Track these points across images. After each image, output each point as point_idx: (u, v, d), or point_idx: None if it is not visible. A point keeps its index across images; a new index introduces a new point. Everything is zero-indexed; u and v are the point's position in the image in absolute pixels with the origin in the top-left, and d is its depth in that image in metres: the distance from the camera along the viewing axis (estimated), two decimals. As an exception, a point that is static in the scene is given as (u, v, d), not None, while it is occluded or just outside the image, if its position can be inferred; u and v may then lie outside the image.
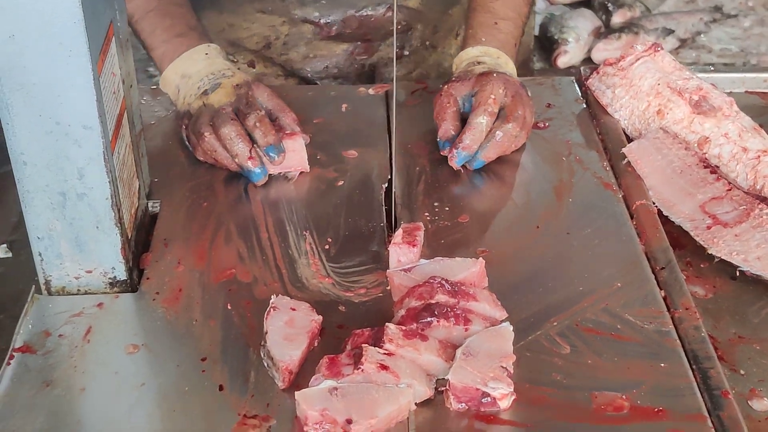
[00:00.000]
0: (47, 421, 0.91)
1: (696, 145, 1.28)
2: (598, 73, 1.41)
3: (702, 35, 3.84)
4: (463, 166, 1.27)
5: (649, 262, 1.12)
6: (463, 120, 1.29)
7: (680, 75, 1.34)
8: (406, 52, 1.62)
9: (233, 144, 1.23)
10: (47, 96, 0.95)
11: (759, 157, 1.22)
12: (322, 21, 1.55)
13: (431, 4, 1.59)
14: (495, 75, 1.30)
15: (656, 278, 1.10)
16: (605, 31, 3.73)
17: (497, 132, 1.26)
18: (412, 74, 1.63)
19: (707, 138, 1.27)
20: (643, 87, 1.34)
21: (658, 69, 1.35)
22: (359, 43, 1.58)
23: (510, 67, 1.39)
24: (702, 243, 1.14)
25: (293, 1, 1.52)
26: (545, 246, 1.15)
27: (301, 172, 1.28)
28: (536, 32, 3.78)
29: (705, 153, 1.27)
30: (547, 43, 3.73)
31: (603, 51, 3.64)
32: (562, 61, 3.64)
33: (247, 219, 1.20)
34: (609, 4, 3.86)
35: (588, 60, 3.68)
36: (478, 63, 1.37)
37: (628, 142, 1.32)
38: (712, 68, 1.48)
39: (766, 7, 4.03)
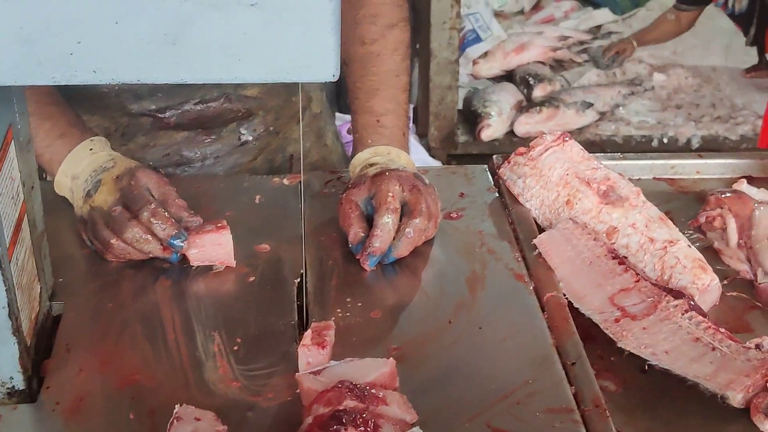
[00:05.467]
0: None
1: (605, 235, 1.29)
2: (509, 162, 1.43)
3: (620, 108, 3.95)
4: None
5: (560, 357, 1.12)
6: (369, 222, 1.29)
7: (588, 165, 1.37)
8: (249, 138, 1.61)
9: (143, 245, 1.23)
10: (-62, 205, 0.92)
11: (665, 247, 1.25)
12: (159, 114, 1.54)
13: (272, 92, 1.59)
14: (387, 173, 1.31)
15: (567, 374, 1.10)
16: (527, 104, 3.82)
17: (407, 229, 1.26)
18: (256, 160, 1.63)
19: (615, 228, 1.29)
20: (553, 177, 1.36)
21: (567, 159, 1.37)
22: (200, 130, 1.57)
23: (403, 159, 1.40)
24: (611, 336, 1.15)
25: (128, 97, 1.50)
26: (457, 342, 1.14)
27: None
28: (460, 106, 3.85)
29: (613, 243, 1.29)
30: (471, 117, 3.80)
31: (525, 124, 3.72)
32: (486, 135, 3.71)
33: (154, 320, 1.17)
34: (530, 79, 3.96)
35: (511, 133, 3.76)
36: (371, 165, 1.37)
37: (540, 232, 1.34)
38: (620, 155, 1.50)
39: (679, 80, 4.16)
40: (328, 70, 0.92)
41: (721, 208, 1.35)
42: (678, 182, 1.51)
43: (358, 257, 1.27)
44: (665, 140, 3.76)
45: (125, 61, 0.88)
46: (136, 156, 1.57)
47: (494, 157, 1.50)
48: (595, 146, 3.76)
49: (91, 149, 1.35)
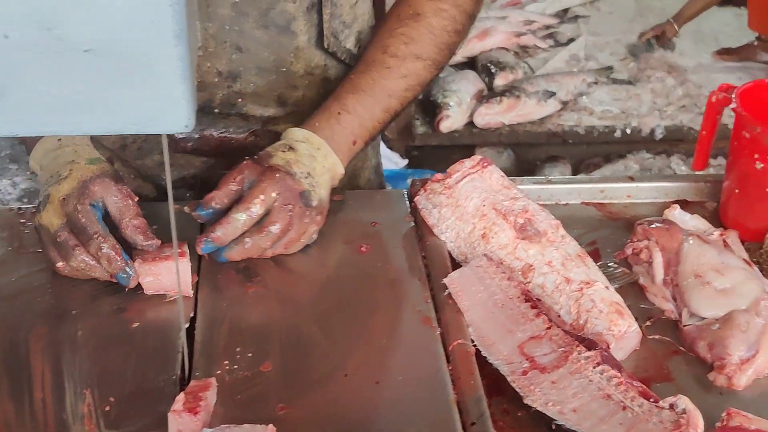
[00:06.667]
0: None
1: (520, 273, 1.21)
2: (425, 189, 1.33)
3: (584, 97, 3.86)
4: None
5: (461, 415, 1.04)
6: None
7: (507, 194, 1.27)
8: None
9: (89, 272, 1.19)
10: None
11: (582, 289, 1.16)
12: (177, 136, 1.45)
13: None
14: (278, 175, 1.23)
15: (466, 435, 1.01)
16: (487, 94, 3.72)
17: (246, 239, 1.22)
18: None
19: (531, 266, 1.20)
20: (469, 208, 1.27)
21: (485, 188, 1.28)
22: (220, 158, 1.48)
23: (327, 163, 1.31)
24: (518, 391, 1.07)
25: None
26: (351, 399, 1.05)
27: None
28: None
29: (529, 282, 1.20)
30: (430, 107, 3.69)
31: (485, 115, 3.62)
32: (445, 126, 3.61)
33: (23, 376, 1.07)
34: (491, 67, 3.86)
35: (471, 124, 3.66)
36: (289, 149, 1.29)
37: (455, 268, 1.25)
38: (545, 179, 1.41)
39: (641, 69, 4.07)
40: (180, 121, 0.82)
41: (648, 239, 1.27)
42: (607, 207, 1.42)
43: (193, 213, 1.24)
44: (628, 131, 3.68)
45: (-56, 113, 0.79)
46: (150, 173, 1.50)
47: (413, 180, 1.40)
48: (556, 137, 3.67)
49: (59, 139, 1.27)
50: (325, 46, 1.42)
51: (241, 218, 1.20)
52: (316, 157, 1.30)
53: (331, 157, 1.32)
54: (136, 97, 0.80)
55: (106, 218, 1.20)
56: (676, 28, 4.04)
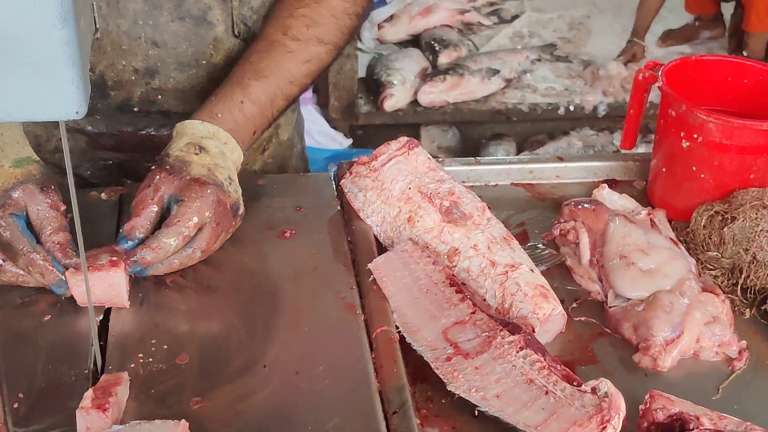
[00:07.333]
0: None
1: (446, 257, 1.19)
2: (351, 173, 1.30)
3: (528, 74, 3.85)
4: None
5: (382, 405, 1.02)
6: (161, 218, 1.16)
7: (433, 176, 1.25)
8: None
9: (22, 282, 1.13)
10: None
11: (507, 272, 1.14)
12: (95, 131, 1.40)
13: None
14: (209, 191, 1.16)
15: (388, 425, 0.99)
16: (431, 72, 3.70)
17: (175, 260, 1.16)
18: None
19: (457, 249, 1.18)
20: (395, 191, 1.24)
21: (411, 170, 1.26)
22: (142, 153, 1.42)
23: (234, 156, 1.24)
24: (442, 377, 1.05)
25: None
26: (270, 391, 1.03)
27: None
28: (362, 74, 3.71)
29: (455, 266, 1.18)
30: (373, 86, 3.66)
31: (429, 93, 3.61)
32: (389, 105, 3.58)
33: (-73, 374, 1.03)
34: (435, 44, 3.83)
35: (415, 102, 3.64)
36: (201, 150, 1.20)
37: (380, 253, 1.22)
38: (475, 160, 1.39)
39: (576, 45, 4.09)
40: (70, 107, 0.78)
41: (575, 220, 1.25)
42: (536, 188, 1.41)
43: (115, 247, 1.14)
44: (572, 108, 3.68)
45: None
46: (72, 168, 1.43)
47: (340, 163, 1.37)
48: (500, 115, 3.67)
49: None
50: (236, 33, 1.37)
51: (173, 243, 1.14)
52: (225, 153, 1.23)
53: (237, 151, 1.26)
54: (23, 84, 0.76)
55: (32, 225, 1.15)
56: (643, 45, 3.95)
